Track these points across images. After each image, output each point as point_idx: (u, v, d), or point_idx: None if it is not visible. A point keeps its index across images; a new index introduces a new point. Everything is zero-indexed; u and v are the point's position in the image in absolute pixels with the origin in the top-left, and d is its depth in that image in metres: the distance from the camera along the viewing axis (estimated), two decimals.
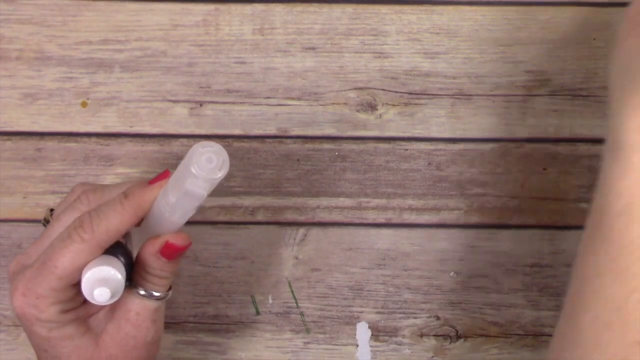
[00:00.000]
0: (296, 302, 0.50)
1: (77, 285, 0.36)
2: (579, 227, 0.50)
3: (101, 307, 0.38)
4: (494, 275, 0.50)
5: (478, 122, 0.49)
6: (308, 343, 0.50)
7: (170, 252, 0.36)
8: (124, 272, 0.35)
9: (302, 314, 0.50)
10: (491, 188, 0.50)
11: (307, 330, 0.50)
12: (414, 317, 0.50)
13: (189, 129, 0.49)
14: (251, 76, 0.48)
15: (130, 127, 0.49)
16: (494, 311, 0.50)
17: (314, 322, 0.50)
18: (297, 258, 0.49)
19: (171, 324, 0.49)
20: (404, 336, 0.50)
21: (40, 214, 0.49)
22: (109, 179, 0.48)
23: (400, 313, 0.50)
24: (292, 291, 0.49)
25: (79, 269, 0.35)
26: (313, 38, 0.49)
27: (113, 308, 0.38)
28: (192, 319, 0.49)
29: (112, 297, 0.34)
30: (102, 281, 0.34)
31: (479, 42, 0.49)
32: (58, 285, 0.35)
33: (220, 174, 0.33)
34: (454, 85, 0.49)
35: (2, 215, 0.49)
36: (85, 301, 0.36)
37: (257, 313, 0.49)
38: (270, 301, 0.49)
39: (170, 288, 0.38)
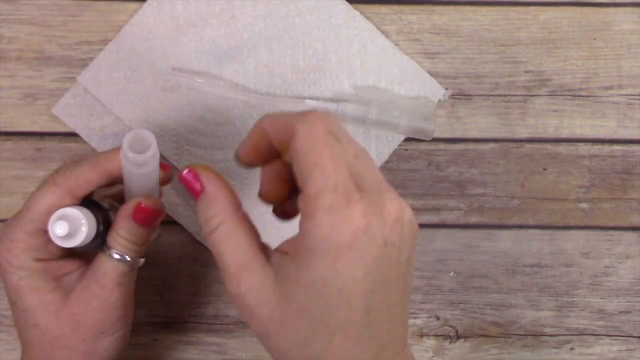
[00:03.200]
0: None
1: (48, 236, 0.36)
2: (579, 227, 0.50)
3: (75, 267, 0.39)
4: (494, 275, 0.50)
5: (478, 122, 0.49)
6: None
7: (142, 215, 0.37)
8: (93, 222, 0.37)
9: None
10: (491, 188, 0.50)
11: None
12: (414, 317, 0.50)
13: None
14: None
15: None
16: (494, 311, 0.50)
17: None
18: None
19: (171, 324, 0.49)
20: None
21: None
22: None
23: None
24: None
25: (50, 211, 0.36)
26: None
27: (85, 270, 0.39)
28: (192, 319, 0.49)
29: (70, 235, 0.35)
30: (63, 217, 0.35)
31: (479, 42, 0.49)
32: (30, 228, 0.37)
33: (139, 157, 0.35)
34: (454, 85, 0.49)
35: (2, 215, 0.49)
36: (61, 257, 0.38)
37: None
38: None
39: (142, 257, 0.39)
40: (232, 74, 0.48)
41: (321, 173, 0.30)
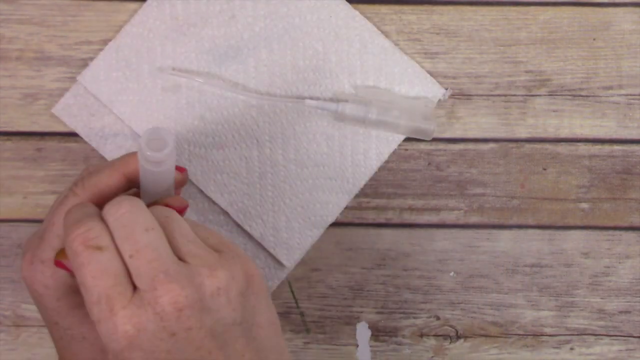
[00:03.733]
0: (296, 302, 0.50)
1: None
2: (579, 227, 0.50)
3: None
4: (494, 275, 0.50)
5: (478, 122, 0.49)
6: (308, 343, 0.50)
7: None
8: None
9: (302, 314, 0.50)
10: (491, 188, 0.50)
11: (307, 330, 0.50)
12: (414, 317, 0.50)
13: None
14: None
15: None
16: (494, 311, 0.50)
17: (314, 322, 0.50)
18: None
19: None
20: (404, 336, 0.50)
21: (41, 214, 0.49)
22: None
23: (400, 313, 0.50)
24: (292, 291, 0.49)
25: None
26: None
27: None
28: None
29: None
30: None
31: (479, 42, 0.49)
32: (57, 243, 0.36)
33: (157, 155, 0.34)
34: (454, 85, 0.49)
35: (2, 215, 0.49)
36: None
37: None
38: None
39: None
40: (232, 74, 0.48)
41: (85, 290, 0.31)
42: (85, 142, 0.48)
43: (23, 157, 0.49)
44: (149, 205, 0.36)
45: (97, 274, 0.30)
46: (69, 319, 0.37)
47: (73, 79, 0.48)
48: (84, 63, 0.48)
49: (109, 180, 0.37)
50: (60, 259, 0.34)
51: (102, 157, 0.48)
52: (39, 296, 0.37)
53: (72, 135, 0.48)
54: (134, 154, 0.38)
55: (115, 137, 0.48)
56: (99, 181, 0.37)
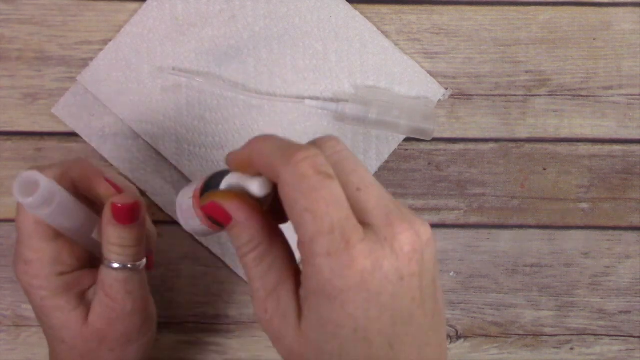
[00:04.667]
0: None
1: (65, 245, 0.37)
2: (579, 227, 0.50)
3: (94, 280, 0.38)
4: (494, 275, 0.50)
5: (478, 122, 0.49)
6: None
7: (121, 214, 0.36)
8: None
9: None
10: (491, 188, 0.50)
11: None
12: None
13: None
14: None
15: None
16: (494, 311, 0.50)
17: None
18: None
19: (171, 324, 0.49)
20: None
21: None
22: None
23: None
24: None
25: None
26: None
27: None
28: (192, 319, 0.49)
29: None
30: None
31: (479, 42, 0.49)
32: (34, 244, 0.36)
33: (28, 200, 0.34)
34: (454, 85, 0.49)
35: (2, 215, 0.49)
36: (78, 268, 0.38)
37: None
38: None
39: (143, 259, 0.38)
40: (232, 74, 0.48)
41: (312, 218, 0.27)
42: (85, 142, 0.48)
43: (23, 157, 0.49)
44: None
45: (331, 201, 0.27)
46: (51, 320, 0.37)
47: (73, 79, 0.48)
48: (84, 63, 0.48)
49: (59, 181, 0.36)
50: (218, 201, 0.30)
51: (102, 157, 0.48)
52: (27, 295, 0.37)
53: (72, 135, 0.48)
54: (85, 168, 0.38)
55: (115, 137, 0.48)
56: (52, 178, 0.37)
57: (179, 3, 0.48)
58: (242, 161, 0.31)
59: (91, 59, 0.48)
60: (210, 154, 0.48)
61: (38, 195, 0.33)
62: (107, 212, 0.37)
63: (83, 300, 0.38)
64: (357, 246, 0.27)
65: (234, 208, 0.30)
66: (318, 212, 0.27)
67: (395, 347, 0.29)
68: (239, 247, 0.31)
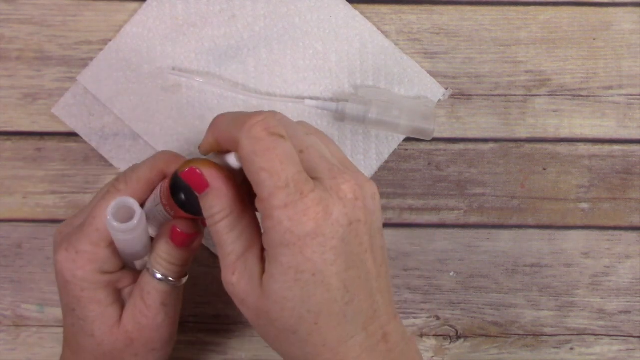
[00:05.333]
0: None
1: (114, 247, 0.37)
2: (579, 227, 0.50)
3: (131, 281, 0.39)
4: (494, 275, 0.50)
5: (478, 122, 0.49)
6: None
7: (178, 238, 0.38)
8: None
9: None
10: (491, 188, 0.50)
11: None
12: (414, 317, 0.50)
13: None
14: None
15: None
16: (494, 311, 0.50)
17: None
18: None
19: None
20: None
21: (40, 213, 0.49)
22: (109, 179, 0.48)
23: (400, 313, 0.50)
24: None
25: None
26: None
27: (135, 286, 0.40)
28: (192, 319, 0.49)
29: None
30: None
31: (479, 42, 0.49)
32: (96, 237, 0.37)
33: (124, 226, 0.35)
34: (454, 85, 0.49)
35: (2, 215, 0.49)
36: (121, 268, 0.39)
37: None
38: None
39: (186, 277, 0.40)
40: (232, 74, 0.48)
41: (269, 176, 0.30)
42: (85, 142, 0.48)
43: (23, 157, 0.49)
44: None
45: (284, 159, 0.31)
46: (85, 311, 0.38)
47: (73, 79, 0.48)
48: (84, 63, 0.48)
49: (150, 175, 0.38)
50: (197, 167, 0.33)
51: (102, 157, 0.48)
52: (65, 282, 0.38)
53: (72, 135, 0.48)
54: (169, 152, 0.40)
55: (115, 137, 0.48)
56: (140, 177, 0.38)
57: (179, 3, 0.48)
58: (211, 144, 0.35)
59: (91, 59, 0.48)
60: None
61: (131, 224, 0.34)
62: (166, 230, 0.38)
63: (119, 298, 0.39)
64: (309, 195, 0.31)
65: (212, 175, 0.33)
66: (274, 170, 0.30)
67: (351, 291, 0.32)
68: (213, 215, 0.33)
